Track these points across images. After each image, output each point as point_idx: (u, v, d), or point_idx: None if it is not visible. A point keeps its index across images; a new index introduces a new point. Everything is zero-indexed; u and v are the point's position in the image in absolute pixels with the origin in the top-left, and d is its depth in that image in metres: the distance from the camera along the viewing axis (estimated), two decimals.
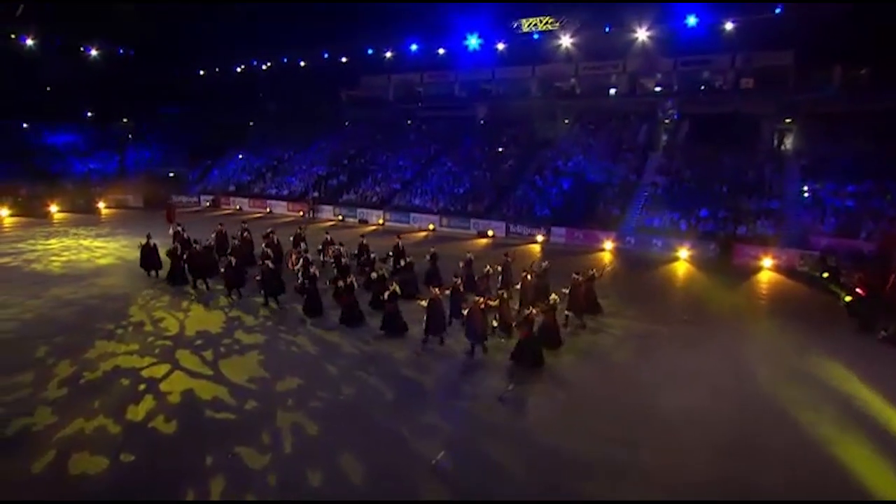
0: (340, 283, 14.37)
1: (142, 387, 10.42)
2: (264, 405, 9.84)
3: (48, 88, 45.57)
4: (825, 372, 11.68)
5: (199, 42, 46.06)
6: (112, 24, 43.11)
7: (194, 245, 18.01)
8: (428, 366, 11.77)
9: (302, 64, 48.78)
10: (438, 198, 32.90)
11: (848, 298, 15.65)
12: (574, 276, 14.46)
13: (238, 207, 38.93)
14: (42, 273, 19.18)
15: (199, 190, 42.57)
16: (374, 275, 15.15)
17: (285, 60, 48.84)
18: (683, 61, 36.35)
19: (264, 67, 50.05)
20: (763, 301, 17.63)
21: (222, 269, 16.74)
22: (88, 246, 23.90)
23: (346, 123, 49.16)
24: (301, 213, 35.61)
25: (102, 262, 20.69)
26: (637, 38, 36.05)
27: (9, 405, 9.64)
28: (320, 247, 19.33)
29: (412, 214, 31.68)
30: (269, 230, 20.77)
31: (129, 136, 47.19)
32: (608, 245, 25.40)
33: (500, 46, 41.47)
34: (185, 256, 17.46)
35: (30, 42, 40.75)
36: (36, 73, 43.20)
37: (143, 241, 18.54)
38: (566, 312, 14.14)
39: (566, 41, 38.63)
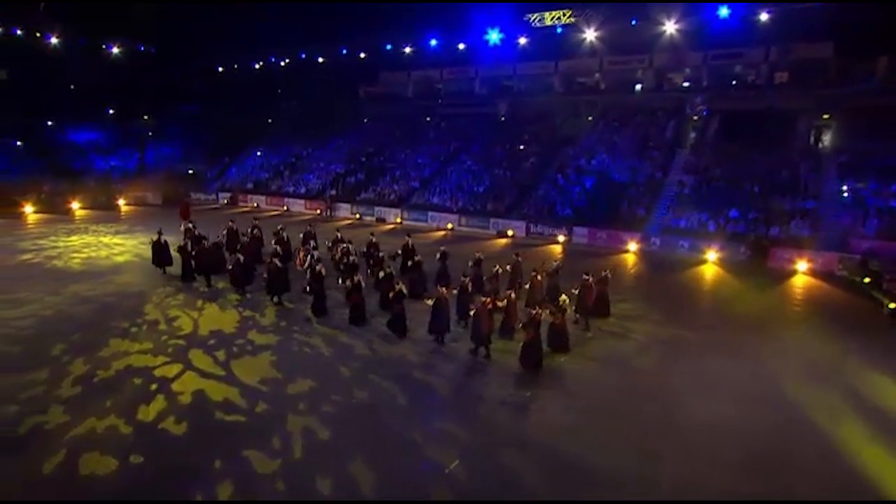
0: (348, 282, 14.43)
1: (153, 386, 10.50)
2: (275, 408, 9.82)
3: (72, 87, 46.80)
4: (864, 383, 11.19)
5: (217, 39, 46.76)
6: (133, 22, 44.07)
7: (203, 242, 18.30)
8: (441, 369, 11.64)
9: (320, 60, 49.09)
10: (457, 196, 32.75)
11: (892, 305, 15.01)
12: (584, 276, 14.32)
13: (255, 205, 39.40)
14: (62, 270, 19.62)
15: (217, 187, 43.23)
16: (381, 273, 15.12)
17: (303, 57, 49.24)
18: (714, 55, 35.50)
19: (282, 64, 50.54)
20: (797, 307, 17.04)
21: (230, 267, 16.93)
22: (108, 243, 24.39)
23: (365, 120, 49.35)
24: (318, 212, 35.84)
25: (120, 259, 21.07)
26: (665, 32, 35.33)
27: (23, 403, 9.80)
28: (329, 244, 19.37)
29: (430, 213, 31.62)
30: (279, 227, 20.98)
31: (150, 133, 48.16)
32: (632, 246, 24.93)
33: (522, 41, 41.14)
34: (193, 253, 17.76)
35: (54, 41, 41.85)
36: (61, 72, 44.39)
37: (155, 237, 18.92)
38: (575, 314, 14.04)
39: (590, 35, 38.09)
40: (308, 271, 15.86)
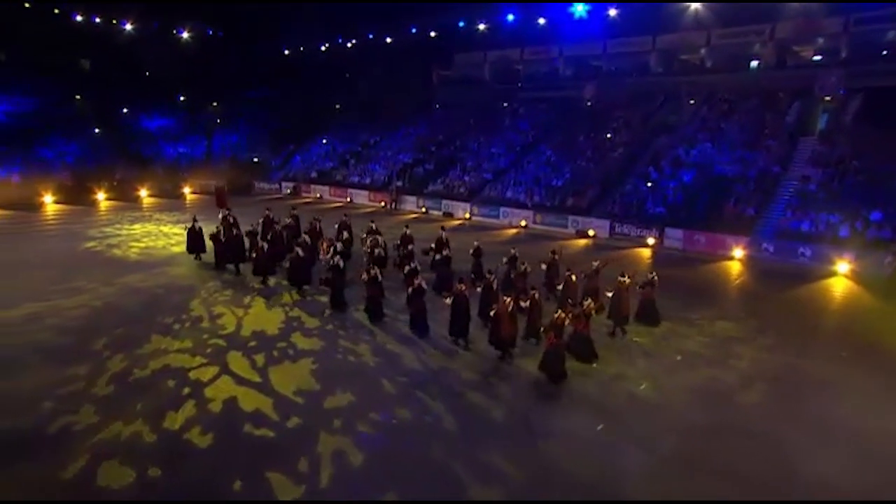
0: (364, 275, 14.62)
1: (186, 390, 10.61)
2: (308, 423, 9.55)
3: (147, 74, 50.51)
4: None
5: (283, 20, 48.35)
6: (201, 4, 46.66)
7: (232, 230, 19.26)
8: (500, 390, 10.91)
9: (388, 41, 49.41)
10: (534, 191, 31.70)
11: None
12: (619, 278, 13.86)
13: (318, 196, 40.43)
14: (120, 259, 20.90)
15: (281, 176, 44.87)
16: (406, 268, 15.20)
17: (371, 37, 49.78)
18: (857, 19, 31.53)
19: (349, 46, 51.44)
20: None
21: (252, 255, 17.77)
22: (167, 232, 25.80)
23: (437, 106, 49.34)
24: (382, 204, 36.13)
25: (176, 249, 22.10)
26: None
27: (59, 399, 10.21)
28: (364, 235, 19.45)
29: (502, 209, 30.86)
30: (314, 217, 21.59)
31: (217, 120, 50.93)
32: (737, 253, 22.73)
33: (612, 13, 39.00)
34: (223, 241, 18.77)
35: (129, 27, 45.26)
36: (136, 60, 48.01)
37: (190, 224, 20.10)
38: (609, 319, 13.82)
39: (696, 4, 35.37)
40: (328, 263, 16.27)
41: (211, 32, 50.36)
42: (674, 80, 37.65)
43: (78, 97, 45.81)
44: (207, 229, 19.95)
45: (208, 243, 19.69)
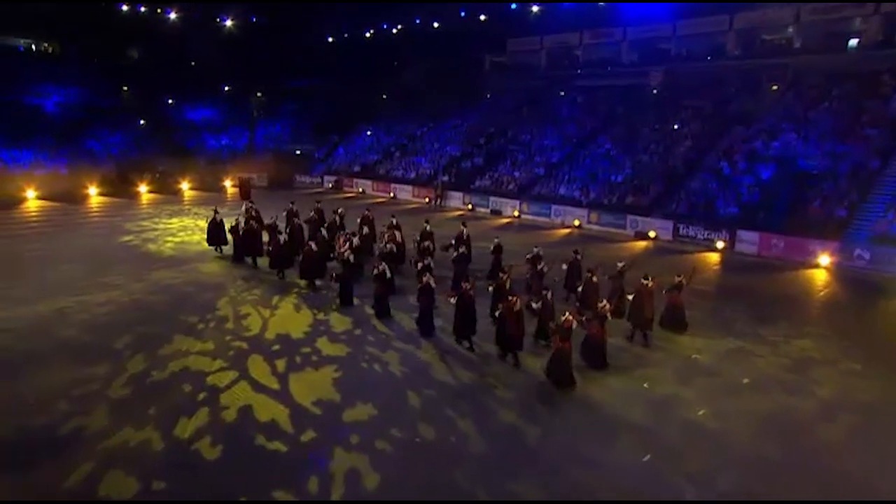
0: (374, 271, 15.00)
1: (201, 396, 10.65)
2: (324, 438, 9.38)
3: (192, 63, 52.44)
4: None
5: (327, 3, 48.85)
6: None
7: (251, 223, 19.98)
8: (536, 411, 10.39)
9: (435, 26, 49.16)
10: (590, 187, 30.79)
11: None
12: (642, 280, 13.52)
13: (361, 190, 40.77)
14: (154, 254, 21.60)
15: (323, 170, 45.56)
16: (419, 265, 15.49)
17: (418, 22, 49.70)
18: None
19: (394, 31, 51.56)
20: None
21: (269, 248, 18.51)
22: (203, 227, 26.19)
23: (488, 95, 48.85)
24: (427, 201, 36.00)
25: (210, 245, 22.65)
26: None
27: (74, 400, 10.45)
28: (383, 230, 19.64)
29: (554, 207, 30.18)
30: (338, 209, 22.01)
31: (260, 111, 52.31)
32: (823, 260, 21.16)
33: None
34: (241, 233, 19.54)
35: (173, 16, 47.08)
36: (181, 50, 49.90)
37: (211, 216, 21.00)
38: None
39: None
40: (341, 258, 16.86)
41: (254, 19, 51.67)
42: (753, 64, 35.67)
43: (125, 88, 48.12)
44: (230, 222, 20.59)
45: (230, 236, 20.51)
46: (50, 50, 50.56)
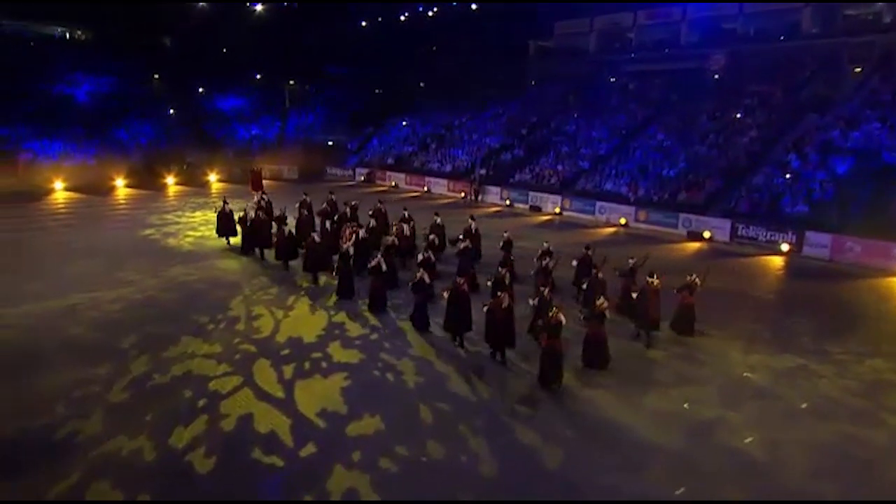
0: (370, 264, 15.51)
1: (202, 402, 10.66)
2: (324, 453, 9.20)
3: (224, 50, 53.58)
4: None
5: None
6: None
7: (259, 214, 20.74)
8: (557, 431, 9.95)
9: (474, 7, 48.64)
10: (639, 182, 29.97)
11: None
12: (647, 279, 13.51)
13: (394, 184, 40.83)
14: (173, 249, 22.09)
15: (356, 162, 45.83)
16: (419, 257, 16.00)
17: (455, 4, 49.28)
18: None
19: (430, 14, 51.29)
20: None
21: (275, 239, 19.07)
22: None
23: (532, 83, 48.28)
24: (462, 195, 35.73)
25: (219, 236, 23.04)
26: None
27: (74, 403, 10.61)
28: (394, 223, 20.22)
29: (598, 203, 29.48)
30: (352, 202, 22.57)
31: (293, 100, 52.99)
32: None
33: None
34: (249, 224, 20.37)
35: (201, 4, 48.18)
36: (213, 36, 51.04)
37: (220, 206, 21.95)
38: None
39: None
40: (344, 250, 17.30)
41: (286, 4, 52.37)
42: (833, 43, 33.95)
43: (156, 76, 49.54)
44: (240, 213, 21.25)
45: (239, 227, 21.15)
46: (83, 38, 52.53)
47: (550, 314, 11.22)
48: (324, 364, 12.40)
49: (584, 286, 14.79)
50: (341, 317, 15.13)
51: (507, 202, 33.38)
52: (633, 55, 43.55)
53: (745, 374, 12.19)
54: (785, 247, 22.83)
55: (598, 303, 12.09)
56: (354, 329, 14.34)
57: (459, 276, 13.80)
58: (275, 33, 50.72)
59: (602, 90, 41.78)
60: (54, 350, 12.83)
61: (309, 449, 9.33)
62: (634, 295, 13.62)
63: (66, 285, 17.24)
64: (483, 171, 36.71)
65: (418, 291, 14.09)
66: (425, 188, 38.53)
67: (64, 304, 15.67)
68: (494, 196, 34.43)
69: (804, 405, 10.96)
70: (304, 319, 14.99)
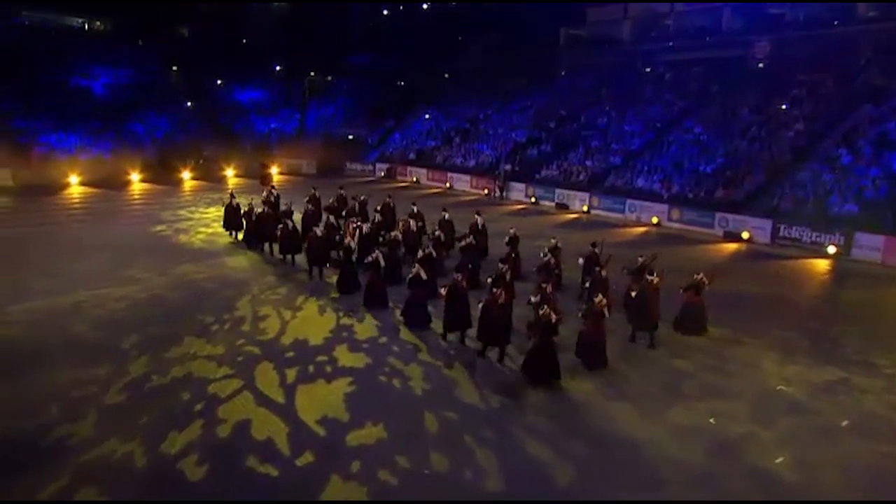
0: (369, 259, 15.91)
1: (199, 406, 10.66)
2: (321, 463, 9.11)
3: (243, 41, 54.19)
4: None
5: None
6: None
7: (264, 208, 21.46)
8: (572, 446, 9.71)
9: None
10: (673, 179, 29.50)
11: None
12: (648, 277, 13.72)
13: (415, 179, 40.84)
14: (183, 246, 22.35)
15: (376, 157, 45.94)
16: (420, 253, 16.35)
17: None
18: None
19: (454, 1, 50.96)
20: None
21: (278, 233, 19.53)
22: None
23: (562, 73, 47.84)
24: (486, 192, 35.53)
25: (240, 237, 23.17)
26: None
27: (69, 404, 10.69)
28: (402, 218, 20.79)
29: (629, 201, 29.11)
30: (361, 196, 23.36)
31: (312, 91, 53.28)
32: None
33: None
34: (254, 219, 21.20)
35: None
36: (232, 26, 51.64)
37: (227, 200, 22.62)
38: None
39: None
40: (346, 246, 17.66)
41: None
42: (892, 28, 32.79)
43: (174, 68, 50.30)
44: (245, 207, 22.03)
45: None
46: (102, 28, 53.64)
47: (541, 312, 11.41)
48: (328, 368, 12.33)
49: (587, 284, 15.01)
50: (350, 319, 15.09)
51: (532, 199, 33.13)
52: (670, 43, 42.81)
53: (779, 387, 11.78)
54: (831, 249, 22.26)
55: (596, 300, 12.19)
56: (363, 331, 14.28)
57: (458, 273, 13.99)
58: (295, 23, 51.08)
59: (636, 81, 41.22)
60: (55, 349, 12.97)
61: (306, 458, 9.25)
62: (633, 293, 13.71)
63: (74, 282, 17.50)
64: (508, 167, 36.45)
65: (413, 287, 14.39)
66: (448, 184, 38.44)
67: (69, 302, 15.89)
68: (519, 193, 34.22)
69: (845, 423, 10.54)
70: (312, 321, 14.98)
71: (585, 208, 30.32)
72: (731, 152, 29.50)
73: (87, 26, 53.74)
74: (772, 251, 23.05)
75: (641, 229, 26.94)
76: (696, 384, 11.84)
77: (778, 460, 9.36)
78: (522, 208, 30.97)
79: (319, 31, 52.79)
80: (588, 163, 33.99)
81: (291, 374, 12.02)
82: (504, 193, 34.76)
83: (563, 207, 31.20)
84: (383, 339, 13.85)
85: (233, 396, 11.08)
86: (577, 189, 31.84)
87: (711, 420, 10.44)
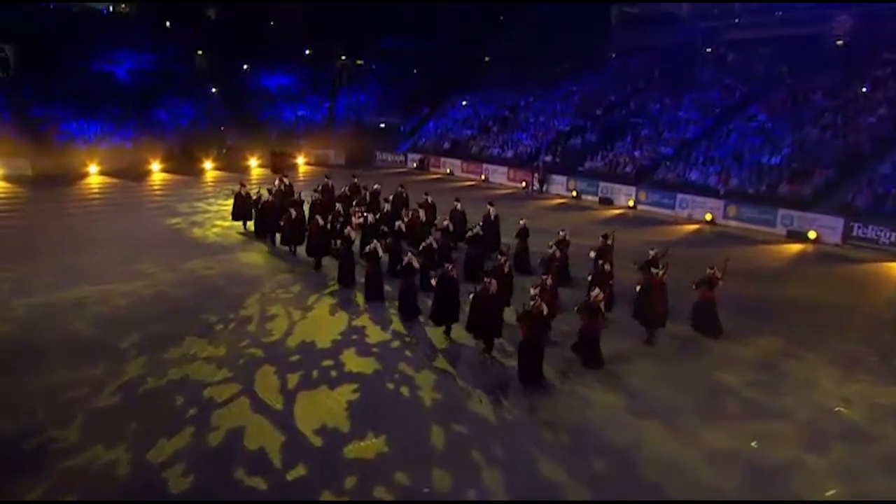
0: (367, 249, 16.56)
1: (192, 411, 10.75)
2: (314, 478, 9.07)
3: (271, 23, 54.87)
4: None
5: None
6: None
7: (270, 198, 22.00)
8: (587, 465, 9.42)
9: None
10: (731, 171, 28.59)
11: None
12: (653, 270, 13.96)
13: (449, 171, 40.79)
14: (196, 240, 22.77)
15: (409, 147, 45.98)
16: (422, 245, 16.65)
17: None
18: None
19: None
20: None
21: (281, 223, 20.16)
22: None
23: (613, 56, 47.03)
24: (523, 185, 35.17)
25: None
26: None
27: (59, 406, 10.91)
28: (413, 208, 21.16)
29: (680, 196, 28.44)
30: (374, 186, 23.95)
31: (343, 77, 53.60)
32: None
33: None
34: (261, 208, 21.95)
35: None
36: (260, 6, 52.30)
37: (237, 189, 23.24)
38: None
39: None
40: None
41: None
42: None
43: (199, 53, 51.25)
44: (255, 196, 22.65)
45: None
46: (126, 11, 55.09)
47: (533, 304, 11.59)
48: (333, 373, 12.33)
49: (589, 277, 15.15)
50: (363, 320, 15.11)
51: (574, 193, 32.67)
52: (735, 20, 41.56)
53: (836, 409, 11.20)
54: None
55: (592, 294, 12.39)
56: (375, 334, 14.26)
57: (448, 263, 14.44)
58: (325, 4, 51.37)
59: (695, 63, 40.21)
60: (51, 347, 13.26)
61: (298, 471, 9.23)
62: (637, 288, 13.97)
63: (80, 276, 17.90)
64: (548, 158, 35.99)
65: (405, 276, 15.06)
66: (483, 176, 38.18)
67: (73, 297, 16.27)
68: (559, 186, 33.79)
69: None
70: (322, 321, 15.03)
71: (631, 203, 29.69)
72: (799, 142, 28.40)
73: (111, 9, 55.22)
74: (842, 253, 22.17)
75: (693, 227, 26.30)
76: (740, 401, 11.37)
77: (828, 493, 8.87)
78: (562, 203, 30.51)
79: (350, 14, 52.98)
80: (636, 153, 33.23)
81: (293, 379, 12.05)
82: (543, 187, 34.28)
83: (606, 202, 30.63)
84: (396, 344, 13.81)
85: (229, 402, 11.16)
86: (622, 182, 31.24)
87: (753, 444, 9.97)
